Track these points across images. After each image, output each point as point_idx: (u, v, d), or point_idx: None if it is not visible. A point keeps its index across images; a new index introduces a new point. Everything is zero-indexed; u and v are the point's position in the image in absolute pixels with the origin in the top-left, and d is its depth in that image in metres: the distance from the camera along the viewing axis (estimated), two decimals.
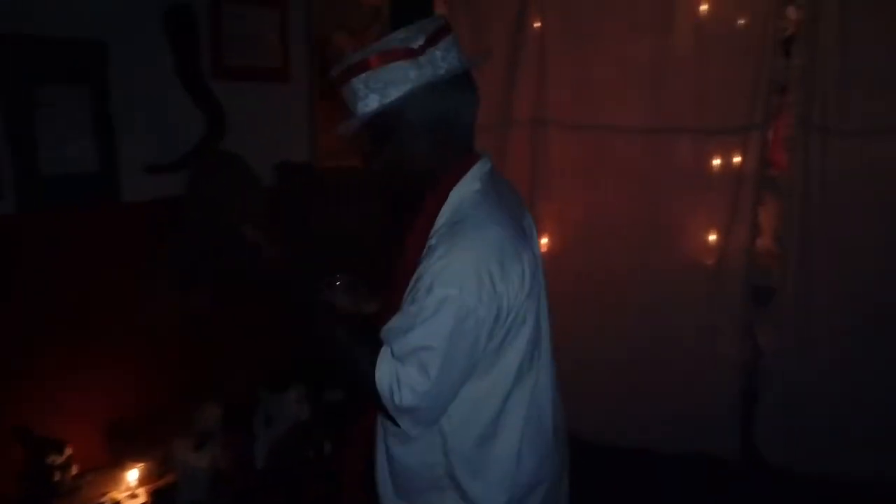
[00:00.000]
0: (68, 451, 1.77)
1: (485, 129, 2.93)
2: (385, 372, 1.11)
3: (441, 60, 1.16)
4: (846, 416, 2.69)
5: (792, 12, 2.67)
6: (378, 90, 1.14)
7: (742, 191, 2.73)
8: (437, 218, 1.18)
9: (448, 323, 1.08)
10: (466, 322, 1.09)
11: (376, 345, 1.15)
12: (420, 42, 1.13)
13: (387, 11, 2.80)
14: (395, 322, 1.13)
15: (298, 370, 2.35)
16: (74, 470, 1.81)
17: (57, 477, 1.73)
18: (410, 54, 1.13)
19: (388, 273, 1.29)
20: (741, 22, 2.67)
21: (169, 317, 2.00)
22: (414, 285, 1.12)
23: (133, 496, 1.92)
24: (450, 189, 1.19)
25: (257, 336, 2.24)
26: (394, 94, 1.14)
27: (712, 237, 2.83)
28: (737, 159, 2.73)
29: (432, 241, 1.15)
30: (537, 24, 2.87)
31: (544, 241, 3.07)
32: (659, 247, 2.90)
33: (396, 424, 1.15)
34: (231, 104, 2.04)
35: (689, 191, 2.84)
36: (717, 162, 2.79)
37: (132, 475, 1.96)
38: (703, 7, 2.71)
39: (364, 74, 1.15)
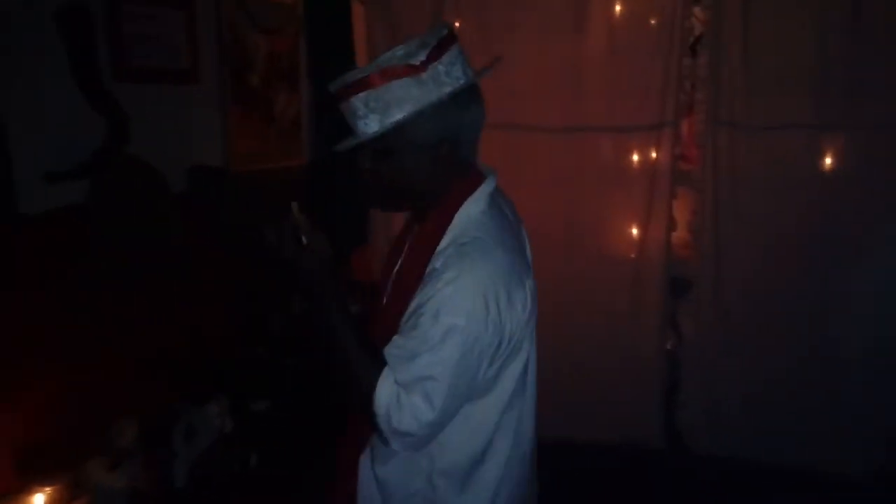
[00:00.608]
0: None
1: None
2: (385, 392, 1.08)
3: (445, 76, 1.10)
4: (763, 402, 2.81)
5: (698, 13, 2.78)
6: (379, 110, 1.10)
7: (657, 186, 2.82)
8: (442, 238, 1.15)
9: (455, 354, 1.07)
10: (472, 352, 1.08)
11: (375, 354, 1.11)
12: (422, 58, 1.08)
13: (301, 10, 2.75)
14: (398, 346, 1.10)
15: (219, 381, 2.27)
16: None
17: None
18: (413, 71, 1.08)
19: (380, 285, 1.28)
20: (652, 22, 2.75)
21: (77, 330, 1.90)
22: (417, 309, 1.10)
23: None
24: (455, 209, 1.16)
25: (173, 347, 2.15)
26: (396, 114, 1.09)
27: (631, 232, 2.91)
28: (651, 155, 2.82)
29: (437, 264, 1.11)
30: (458, 24, 2.88)
31: None
32: (580, 244, 2.96)
33: (382, 437, 1.13)
34: (136, 107, 1.95)
35: (606, 188, 2.91)
36: (632, 158, 2.87)
37: (39, 500, 1.85)
38: (616, 8, 2.79)
39: (364, 93, 1.10)
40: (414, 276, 1.14)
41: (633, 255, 2.91)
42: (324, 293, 1.14)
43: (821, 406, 2.72)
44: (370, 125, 1.11)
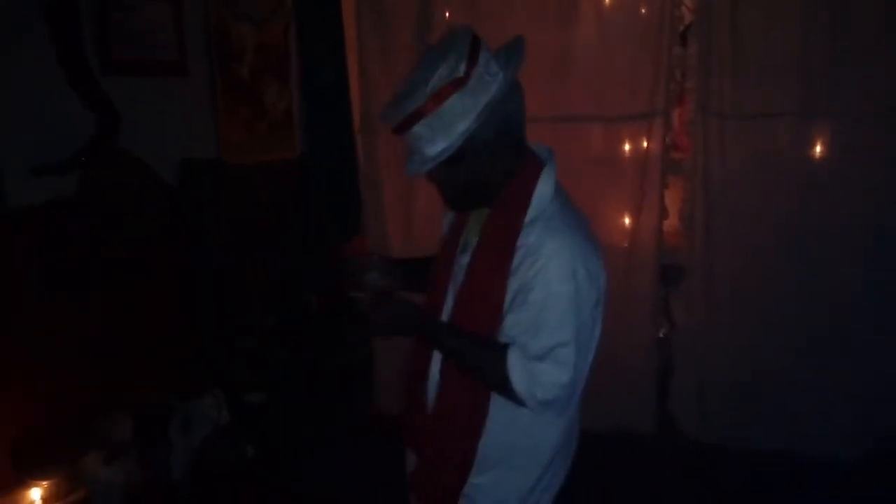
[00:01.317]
0: None
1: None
2: (518, 374, 1.18)
3: (487, 75, 1.16)
4: (753, 388, 2.83)
5: (688, 2, 2.78)
6: (442, 130, 1.16)
7: (649, 175, 2.82)
8: (525, 217, 1.23)
9: (573, 317, 1.18)
10: (584, 311, 1.20)
11: (491, 346, 1.22)
12: (463, 68, 1.14)
13: (290, 1, 2.74)
14: (517, 323, 1.19)
15: (214, 373, 2.28)
16: None
17: None
18: (460, 84, 1.13)
19: (440, 268, 1.37)
20: (641, 11, 2.75)
21: (70, 325, 1.90)
22: (525, 285, 1.19)
23: None
24: (528, 190, 1.24)
25: (166, 340, 2.16)
26: (459, 127, 1.16)
27: (623, 220, 2.93)
28: (643, 145, 2.83)
29: (529, 240, 1.20)
30: (447, 14, 2.88)
31: None
32: None
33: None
34: (125, 100, 1.94)
35: (598, 177, 2.90)
36: (624, 147, 2.87)
37: (35, 494, 1.85)
38: None
39: (424, 120, 1.15)
40: (500, 254, 1.22)
41: (625, 244, 2.92)
42: (422, 325, 1.29)
43: (809, 392, 2.75)
44: (437, 145, 1.18)
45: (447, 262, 1.36)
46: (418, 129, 1.16)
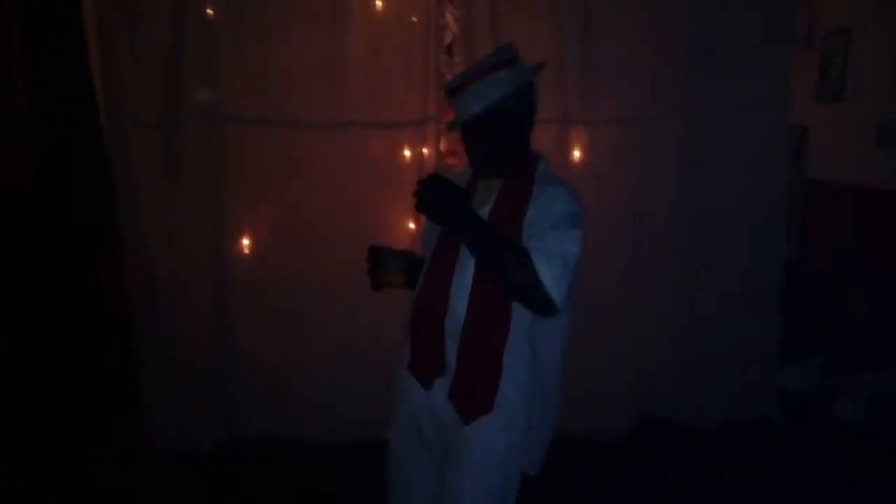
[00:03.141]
0: None
1: (152, 127, 2.70)
2: (548, 277, 1.40)
3: (524, 67, 1.57)
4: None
5: (453, 13, 2.88)
6: (488, 92, 1.49)
7: None
8: (533, 185, 1.55)
9: (579, 231, 1.48)
10: (582, 231, 1.49)
11: (515, 246, 1.46)
12: (508, 57, 1.54)
13: None
14: (542, 239, 1.45)
15: None
16: None
17: None
18: (507, 65, 1.53)
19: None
20: (412, 20, 2.78)
21: None
22: (545, 221, 1.47)
23: None
24: (533, 168, 1.59)
25: None
26: (501, 93, 1.50)
27: (406, 226, 2.94)
28: (419, 151, 2.87)
29: (541, 198, 1.52)
30: (210, 12, 2.67)
31: (245, 242, 2.92)
32: (357, 238, 2.91)
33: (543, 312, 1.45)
34: None
35: (380, 184, 2.90)
36: (401, 154, 2.89)
37: None
38: (376, 4, 2.78)
39: (478, 83, 1.50)
40: (516, 210, 1.53)
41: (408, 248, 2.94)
42: (466, 212, 1.49)
43: (585, 375, 2.99)
44: (486, 100, 1.49)
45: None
46: (475, 87, 1.50)
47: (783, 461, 2.89)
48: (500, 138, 1.54)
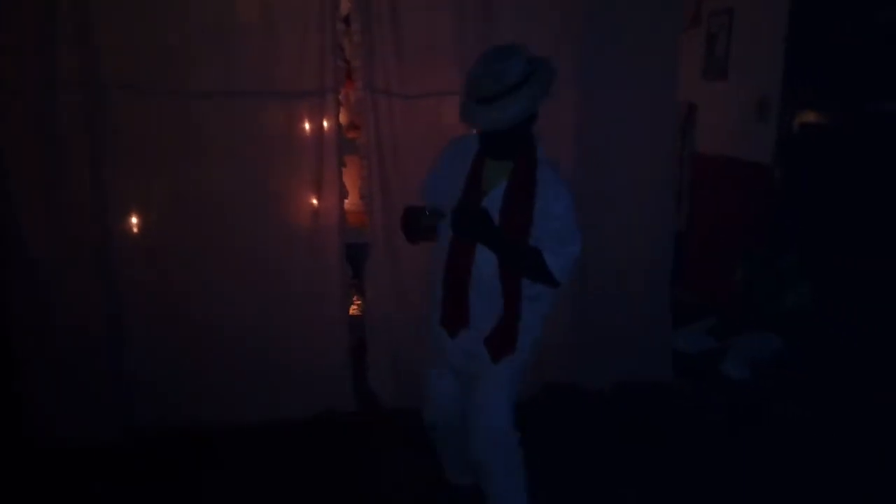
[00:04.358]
0: None
1: (21, 93, 2.47)
2: (559, 272, 1.90)
3: (539, 75, 1.86)
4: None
5: None
6: (517, 103, 1.80)
7: (326, 154, 2.80)
8: (537, 167, 1.91)
9: (574, 213, 1.92)
10: None
11: (531, 253, 1.89)
12: (526, 70, 1.83)
13: None
14: (549, 231, 1.88)
15: None
16: None
17: None
18: (528, 78, 1.83)
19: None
20: None
21: None
22: (552, 204, 1.88)
23: None
24: (534, 149, 1.93)
25: None
26: (525, 104, 1.81)
27: (307, 201, 2.86)
28: (317, 123, 2.78)
29: (542, 176, 1.90)
30: None
31: (133, 220, 2.75)
32: (255, 214, 2.83)
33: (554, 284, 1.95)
34: None
35: (276, 156, 2.80)
36: (299, 126, 2.79)
37: None
38: None
39: (506, 98, 1.79)
40: (527, 183, 1.89)
41: (308, 224, 2.87)
42: (493, 232, 1.87)
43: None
44: (513, 110, 1.80)
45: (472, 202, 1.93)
46: (501, 102, 1.77)
47: (677, 416, 3.09)
48: (516, 138, 1.86)
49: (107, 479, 2.57)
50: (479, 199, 1.92)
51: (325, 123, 2.78)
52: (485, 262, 1.91)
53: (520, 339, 1.98)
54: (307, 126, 2.80)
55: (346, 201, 2.90)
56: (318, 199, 2.85)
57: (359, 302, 3.36)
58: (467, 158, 1.98)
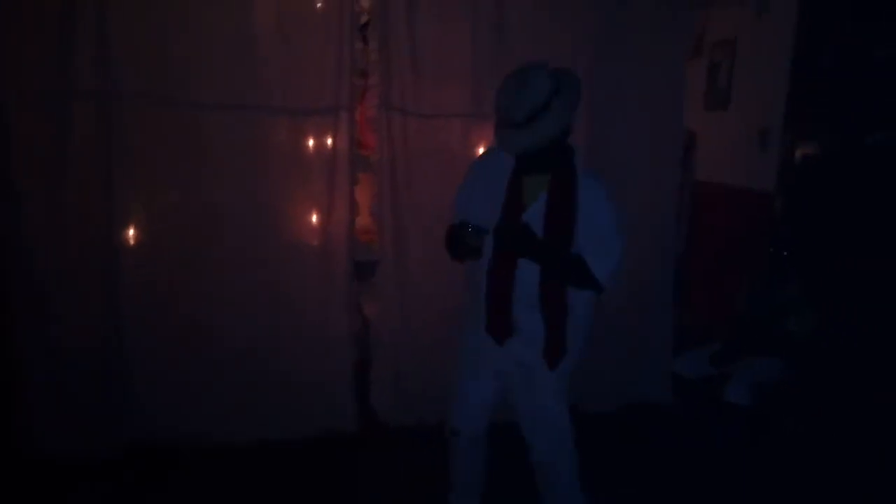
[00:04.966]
0: None
1: (36, 102, 2.46)
2: (604, 277, 1.95)
3: (565, 96, 1.89)
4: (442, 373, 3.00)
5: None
6: (547, 126, 1.86)
7: (338, 170, 2.80)
8: (577, 175, 1.95)
9: (619, 220, 1.97)
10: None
11: (576, 261, 1.94)
12: (551, 92, 1.86)
13: None
14: (593, 238, 1.92)
15: None
16: None
17: None
18: (554, 99, 1.86)
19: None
20: (319, 5, 2.70)
21: None
22: (595, 214, 1.93)
23: None
24: (572, 160, 1.97)
25: None
26: (554, 126, 1.87)
27: (315, 217, 2.86)
28: (330, 140, 2.79)
29: (584, 187, 1.94)
30: None
31: (140, 232, 2.72)
32: (264, 229, 2.81)
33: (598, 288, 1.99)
34: None
35: (287, 172, 2.80)
36: (311, 142, 2.80)
37: None
38: None
39: (534, 123, 1.85)
40: (567, 201, 1.93)
41: (317, 241, 2.86)
42: (536, 243, 1.91)
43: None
44: (543, 133, 1.85)
45: (513, 217, 1.96)
46: (533, 125, 1.83)
47: (678, 441, 3.08)
48: (553, 153, 1.90)
49: (96, 494, 2.52)
50: (520, 214, 1.94)
51: (339, 141, 2.79)
52: (527, 271, 1.93)
53: (569, 342, 2.02)
54: (320, 142, 2.80)
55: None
56: (329, 216, 2.84)
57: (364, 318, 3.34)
58: (499, 172, 1.98)
